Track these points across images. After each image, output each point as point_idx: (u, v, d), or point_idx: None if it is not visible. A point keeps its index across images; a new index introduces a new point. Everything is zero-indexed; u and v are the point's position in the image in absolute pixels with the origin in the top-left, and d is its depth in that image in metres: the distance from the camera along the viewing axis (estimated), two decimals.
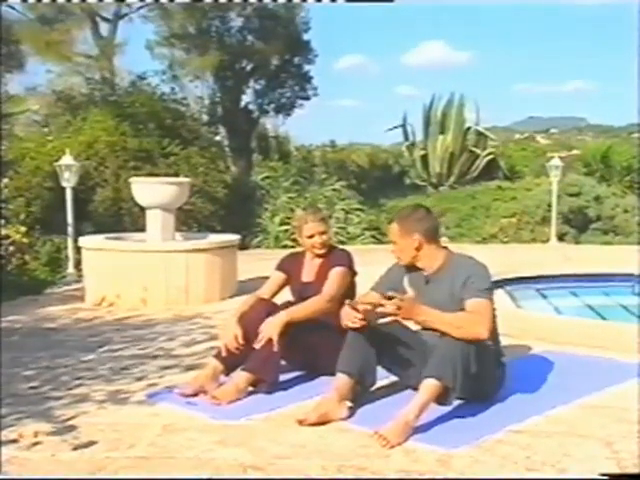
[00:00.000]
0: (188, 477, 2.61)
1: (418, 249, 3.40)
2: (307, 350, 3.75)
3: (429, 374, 3.06)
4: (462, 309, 3.23)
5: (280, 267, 4.06)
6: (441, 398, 3.11)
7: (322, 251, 3.91)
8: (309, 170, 15.03)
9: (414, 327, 3.46)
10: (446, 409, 3.24)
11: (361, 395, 3.37)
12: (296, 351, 3.71)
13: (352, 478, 2.60)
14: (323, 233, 3.89)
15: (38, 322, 5.66)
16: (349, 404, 3.27)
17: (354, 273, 3.93)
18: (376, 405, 3.40)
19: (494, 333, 3.47)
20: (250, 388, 3.55)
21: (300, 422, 3.14)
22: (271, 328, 3.55)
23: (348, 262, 3.89)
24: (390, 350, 3.40)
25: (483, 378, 3.23)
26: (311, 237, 3.90)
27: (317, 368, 3.81)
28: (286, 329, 3.56)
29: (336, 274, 3.80)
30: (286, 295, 4.02)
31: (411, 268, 3.49)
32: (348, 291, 3.85)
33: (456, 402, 3.37)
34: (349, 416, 3.23)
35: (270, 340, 3.52)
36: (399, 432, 2.94)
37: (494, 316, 3.38)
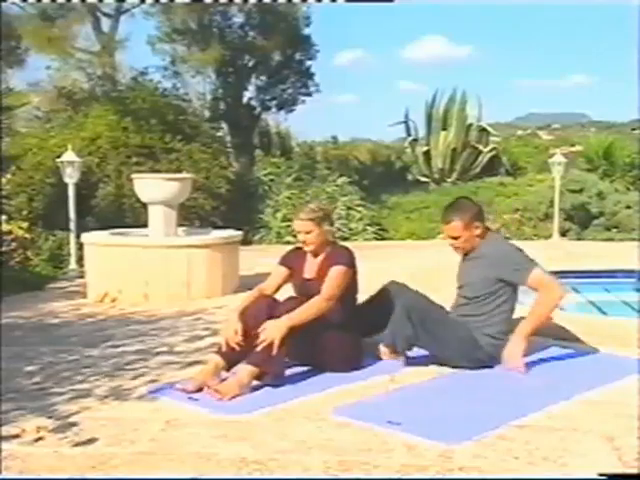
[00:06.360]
0: (188, 477, 2.61)
1: (480, 235, 3.90)
2: (309, 348, 3.75)
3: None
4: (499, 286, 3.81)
5: (283, 262, 4.06)
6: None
7: (308, 248, 3.91)
8: (311, 166, 14.98)
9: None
10: (448, 405, 3.25)
11: None
12: (298, 349, 3.71)
13: (353, 478, 2.61)
14: (308, 233, 3.87)
15: (40, 318, 5.67)
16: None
17: (355, 271, 3.93)
18: (376, 400, 3.41)
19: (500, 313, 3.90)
20: (254, 382, 3.55)
21: None
22: (274, 332, 3.53)
23: (348, 260, 3.88)
24: (428, 328, 3.79)
25: (440, 339, 3.78)
26: (298, 233, 3.91)
27: (320, 364, 3.82)
28: (289, 333, 3.55)
29: (336, 273, 3.79)
30: (288, 290, 4.03)
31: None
32: (349, 289, 3.85)
33: (456, 398, 3.40)
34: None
35: (272, 342, 3.52)
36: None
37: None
